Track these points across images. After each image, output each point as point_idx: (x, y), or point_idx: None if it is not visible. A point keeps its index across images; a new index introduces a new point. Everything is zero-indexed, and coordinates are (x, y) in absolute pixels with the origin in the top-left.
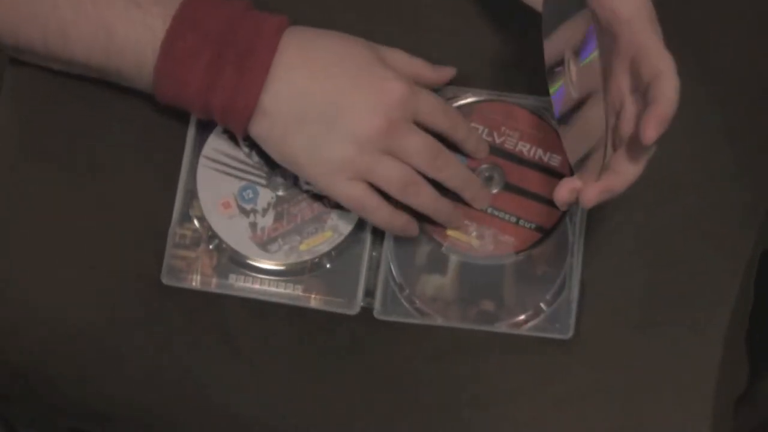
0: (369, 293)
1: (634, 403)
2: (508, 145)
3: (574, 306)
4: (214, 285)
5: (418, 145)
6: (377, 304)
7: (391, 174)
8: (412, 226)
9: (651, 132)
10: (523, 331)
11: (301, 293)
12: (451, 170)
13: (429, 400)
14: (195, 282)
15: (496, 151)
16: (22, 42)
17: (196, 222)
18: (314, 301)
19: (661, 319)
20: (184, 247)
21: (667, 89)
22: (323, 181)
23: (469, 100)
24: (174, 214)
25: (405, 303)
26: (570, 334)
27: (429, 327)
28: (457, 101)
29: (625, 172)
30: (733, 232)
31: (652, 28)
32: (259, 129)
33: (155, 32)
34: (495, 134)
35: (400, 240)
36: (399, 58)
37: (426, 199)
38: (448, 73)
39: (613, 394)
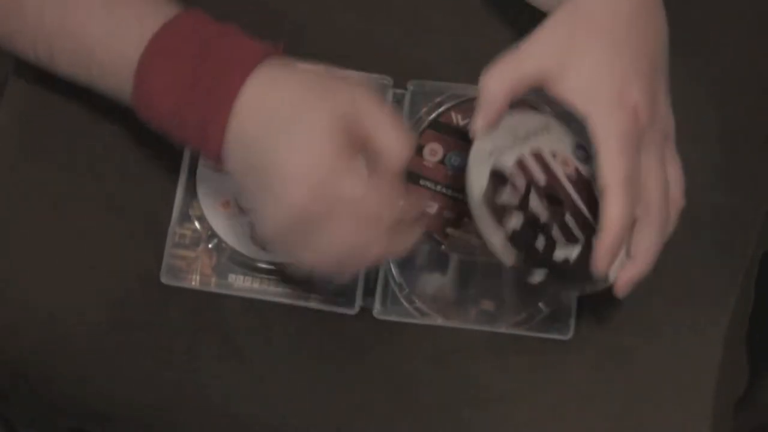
0: (368, 293)
1: (634, 404)
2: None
3: (573, 306)
4: (213, 284)
5: (334, 238)
6: (377, 304)
7: (327, 244)
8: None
9: (600, 265)
10: (523, 331)
11: (300, 293)
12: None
13: (429, 399)
14: (194, 281)
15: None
16: (18, 51)
17: (195, 222)
18: (314, 301)
19: (661, 319)
20: (184, 246)
21: (610, 212)
22: (276, 243)
23: (469, 96)
24: (173, 214)
25: (405, 303)
26: (570, 334)
27: (429, 327)
28: (456, 100)
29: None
30: (733, 233)
31: (613, 127)
32: (227, 163)
33: (130, 62)
34: None
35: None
36: (381, 133)
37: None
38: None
39: (613, 395)
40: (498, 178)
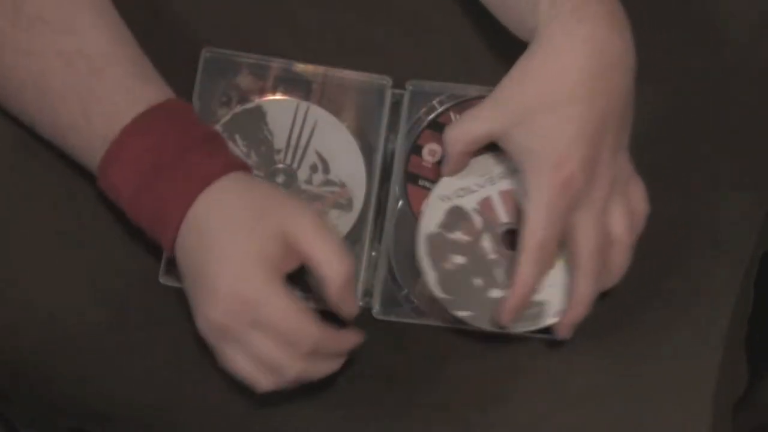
0: (368, 293)
1: (634, 404)
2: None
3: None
4: None
5: (262, 349)
6: (376, 304)
7: (235, 361)
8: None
9: (504, 321)
10: (522, 332)
11: (299, 293)
12: (309, 344)
13: (428, 400)
14: None
15: (495, 146)
16: (6, 109)
17: None
18: (313, 301)
19: (661, 319)
20: None
21: (518, 274)
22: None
23: (468, 97)
24: None
25: (404, 303)
26: (570, 335)
27: (427, 327)
28: (456, 100)
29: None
30: (733, 233)
31: (543, 196)
32: None
33: (95, 153)
34: None
35: (400, 240)
36: (322, 257)
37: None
38: (349, 310)
39: (613, 394)
40: (456, 215)
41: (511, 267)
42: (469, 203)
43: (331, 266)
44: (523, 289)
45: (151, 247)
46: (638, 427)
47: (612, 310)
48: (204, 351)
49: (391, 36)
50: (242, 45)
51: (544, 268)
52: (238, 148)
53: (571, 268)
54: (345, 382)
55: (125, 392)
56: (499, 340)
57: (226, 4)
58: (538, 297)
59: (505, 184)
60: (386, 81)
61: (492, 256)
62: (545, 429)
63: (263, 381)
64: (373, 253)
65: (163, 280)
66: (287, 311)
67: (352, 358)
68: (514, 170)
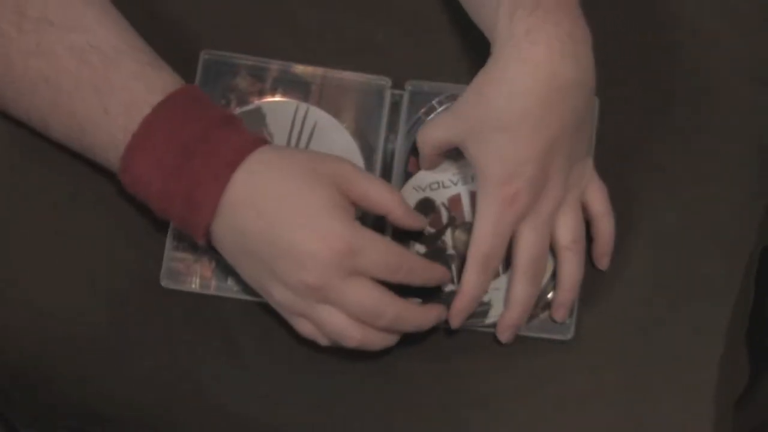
0: None
1: (635, 403)
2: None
3: (575, 307)
4: (213, 288)
5: (352, 303)
6: None
7: (327, 328)
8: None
9: (453, 323)
10: (524, 331)
11: None
12: (393, 311)
13: (429, 399)
14: (194, 285)
15: None
16: (13, 115)
17: None
18: None
19: (662, 318)
20: (183, 249)
21: (465, 281)
22: (275, 307)
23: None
24: None
25: None
26: (570, 335)
27: (431, 327)
28: (452, 100)
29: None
30: (732, 231)
31: (489, 210)
32: (216, 248)
33: (117, 144)
34: None
35: (401, 240)
36: (372, 191)
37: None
38: (418, 222)
39: (614, 394)
40: (426, 206)
41: (463, 265)
42: (440, 197)
43: (386, 196)
44: (469, 295)
45: (151, 248)
46: (639, 426)
47: (612, 310)
48: (204, 351)
49: (390, 36)
50: (241, 46)
51: (488, 275)
52: None
53: (512, 271)
54: (345, 382)
55: (125, 393)
56: (497, 340)
57: (224, 5)
58: (485, 297)
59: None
60: (385, 81)
61: (451, 251)
62: (545, 428)
63: (356, 333)
64: None
65: (165, 283)
66: (387, 244)
67: (353, 359)
68: None
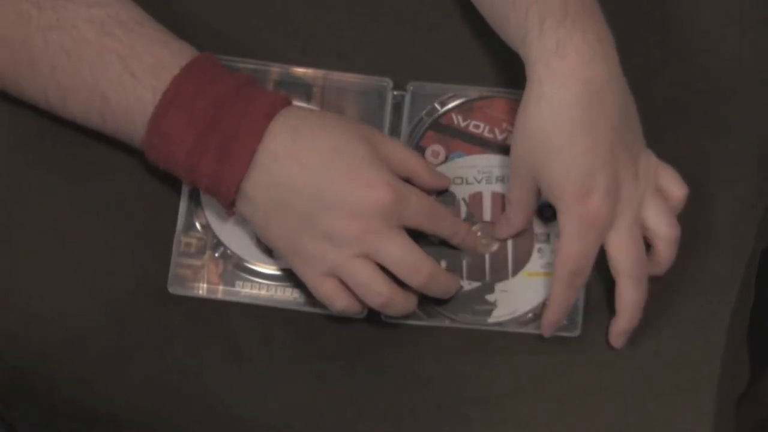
0: None
1: (636, 402)
2: (510, 141)
3: (581, 304)
4: (220, 293)
5: (395, 254)
6: None
7: (358, 279)
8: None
9: (545, 333)
10: (531, 329)
11: (308, 298)
12: (429, 269)
13: (432, 398)
14: (201, 290)
15: (498, 147)
16: (27, 98)
17: (201, 230)
18: (321, 306)
19: (662, 318)
20: (190, 255)
21: (554, 295)
22: (297, 270)
23: (470, 97)
24: (178, 223)
25: None
26: (578, 331)
27: (433, 327)
28: (457, 101)
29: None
30: (733, 230)
31: (572, 227)
32: (243, 210)
33: (145, 105)
34: (496, 130)
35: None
36: (398, 152)
37: (399, 310)
38: (443, 181)
39: (616, 393)
40: (445, 200)
41: (474, 262)
42: (461, 193)
43: (412, 156)
44: (559, 310)
45: (154, 252)
46: (640, 424)
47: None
48: (207, 354)
49: (391, 38)
50: (242, 50)
51: (576, 291)
52: None
53: (616, 279)
54: (348, 384)
55: (127, 395)
56: (500, 338)
57: (224, 9)
58: (491, 297)
59: (499, 187)
60: (387, 83)
61: None
62: (547, 426)
63: (384, 289)
64: None
65: (172, 289)
66: (426, 196)
67: (356, 361)
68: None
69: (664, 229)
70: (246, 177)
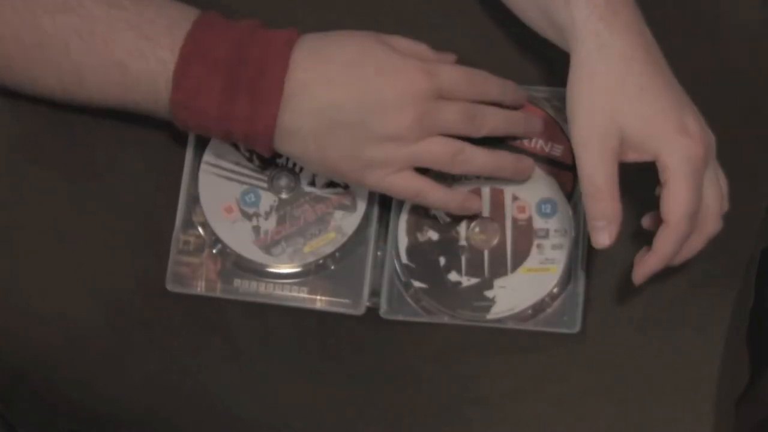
0: (375, 293)
1: (636, 402)
2: (510, 138)
3: (581, 300)
4: (219, 290)
5: (450, 118)
6: (384, 304)
7: (434, 153)
8: (473, 201)
9: (636, 280)
10: (530, 326)
11: (306, 295)
12: (492, 121)
13: (431, 398)
14: (200, 288)
15: (504, 145)
16: (40, 89)
17: (199, 228)
18: (320, 303)
19: (662, 318)
20: (188, 253)
21: (662, 243)
22: (370, 181)
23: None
24: (177, 221)
25: (411, 302)
26: (577, 328)
27: (432, 325)
28: None
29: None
30: (733, 231)
31: (682, 160)
32: (290, 148)
33: (166, 64)
34: None
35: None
36: (405, 44)
37: (480, 161)
38: (448, 58)
39: (615, 393)
40: None
41: (473, 258)
42: (462, 189)
43: (415, 43)
44: (663, 263)
45: (153, 251)
46: (640, 424)
47: (612, 308)
48: (206, 353)
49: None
50: None
51: (687, 236)
52: (240, 152)
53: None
54: (348, 383)
55: (126, 395)
56: (500, 338)
57: (225, 7)
58: (489, 293)
59: (498, 183)
60: None
61: (462, 242)
62: (546, 425)
63: (461, 146)
64: (379, 253)
65: (171, 287)
66: (452, 60)
67: (356, 359)
68: None
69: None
70: (283, 109)
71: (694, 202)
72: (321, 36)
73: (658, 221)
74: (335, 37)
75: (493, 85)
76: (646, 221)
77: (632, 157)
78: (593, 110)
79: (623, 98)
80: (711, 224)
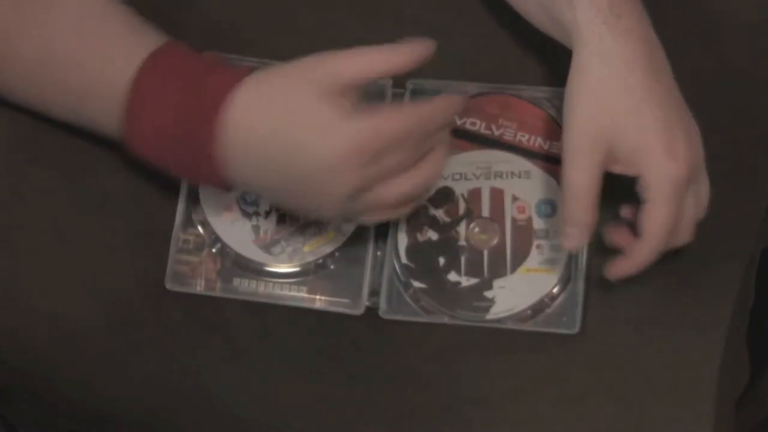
0: (374, 293)
1: (636, 403)
2: (507, 137)
3: (580, 300)
4: (218, 289)
5: (392, 169)
6: (383, 304)
7: (390, 195)
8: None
9: (611, 275)
10: (530, 326)
11: (305, 295)
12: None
13: (431, 398)
14: (199, 287)
15: (495, 143)
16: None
17: (199, 227)
18: (319, 303)
19: (662, 318)
20: (188, 252)
21: (640, 255)
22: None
23: (468, 95)
24: (176, 219)
25: (411, 302)
26: (577, 328)
27: (432, 325)
28: None
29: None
30: (733, 231)
31: (665, 181)
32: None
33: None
34: (493, 127)
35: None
36: (351, 64)
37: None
38: (405, 56)
39: (615, 394)
40: (445, 195)
41: (472, 258)
42: (460, 188)
43: (360, 61)
44: (636, 267)
45: (153, 250)
46: (639, 424)
47: (612, 308)
48: (206, 353)
49: (390, 36)
50: (242, 48)
51: (661, 249)
52: None
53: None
54: (348, 382)
55: (126, 395)
56: (500, 338)
57: (224, 7)
58: (489, 294)
59: (498, 183)
60: (386, 80)
61: (462, 242)
62: (546, 425)
63: (417, 177)
64: (378, 253)
65: (170, 286)
66: (396, 111)
67: (356, 359)
68: (511, 173)
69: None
70: (231, 167)
71: (672, 221)
72: (268, 74)
73: (636, 212)
74: (280, 80)
75: (435, 122)
76: (624, 211)
77: (618, 169)
78: (587, 118)
79: (618, 110)
80: (683, 235)
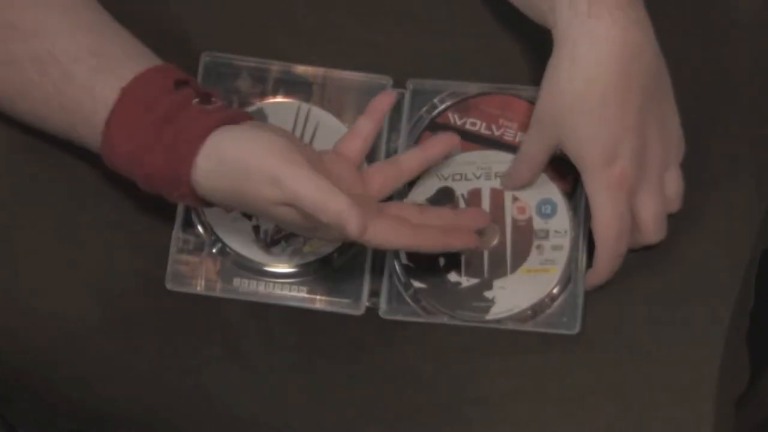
0: (374, 293)
1: (636, 403)
2: (508, 137)
3: (581, 301)
4: (218, 289)
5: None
6: (383, 304)
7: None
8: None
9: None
10: (530, 326)
11: (306, 295)
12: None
13: (431, 398)
14: (200, 287)
15: (496, 143)
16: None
17: (199, 227)
18: (319, 303)
19: (662, 318)
20: (188, 252)
21: (599, 259)
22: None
23: (465, 95)
24: (177, 220)
25: (410, 302)
26: (577, 329)
27: (432, 326)
28: (455, 99)
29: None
30: (733, 231)
31: (600, 190)
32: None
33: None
34: (493, 127)
35: None
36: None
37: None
38: (363, 135)
39: (615, 394)
40: (445, 195)
41: (473, 259)
42: (460, 189)
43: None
44: (604, 276)
45: (153, 251)
46: (639, 425)
47: (612, 308)
48: (206, 353)
49: (391, 36)
50: (242, 48)
51: (622, 256)
52: None
53: (640, 236)
54: (348, 383)
55: (126, 394)
56: (500, 338)
57: (225, 7)
58: (489, 294)
59: (499, 183)
60: (386, 80)
61: None
62: (546, 425)
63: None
64: (378, 253)
65: (170, 286)
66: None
67: (356, 359)
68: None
69: (676, 196)
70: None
71: (615, 224)
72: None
73: None
74: (233, 162)
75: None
76: None
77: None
78: (547, 108)
79: (570, 115)
80: (650, 233)
